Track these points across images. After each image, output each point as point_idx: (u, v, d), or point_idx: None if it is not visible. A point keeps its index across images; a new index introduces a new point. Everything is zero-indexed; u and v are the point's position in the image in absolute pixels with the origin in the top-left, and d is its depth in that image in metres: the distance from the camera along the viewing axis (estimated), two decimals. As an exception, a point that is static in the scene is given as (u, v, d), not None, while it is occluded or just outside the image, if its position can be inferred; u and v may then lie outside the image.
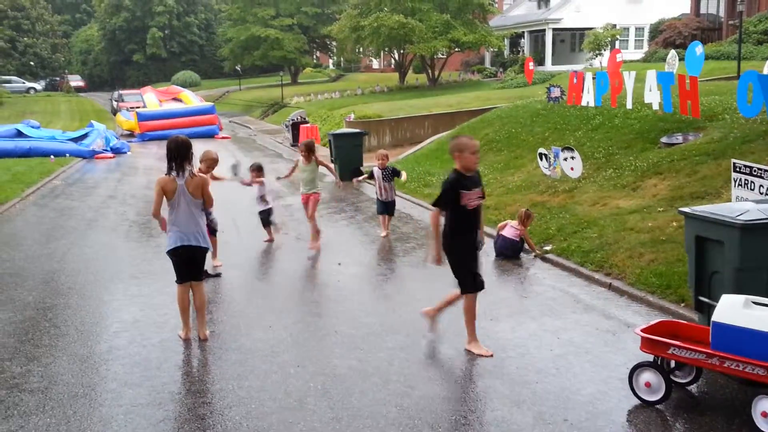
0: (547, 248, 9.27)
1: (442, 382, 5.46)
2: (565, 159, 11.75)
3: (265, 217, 10.33)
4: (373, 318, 7.11)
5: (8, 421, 4.99)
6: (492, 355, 5.88)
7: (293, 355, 6.07)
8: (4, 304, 7.76)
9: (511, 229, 9.39)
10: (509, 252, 9.30)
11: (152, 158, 23.28)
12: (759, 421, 4.50)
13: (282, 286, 8.29)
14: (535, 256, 9.22)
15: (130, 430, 4.82)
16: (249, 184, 10.18)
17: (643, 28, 41.13)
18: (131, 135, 29.68)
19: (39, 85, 64.00)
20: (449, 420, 4.86)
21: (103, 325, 7.07)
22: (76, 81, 68.91)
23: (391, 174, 10.81)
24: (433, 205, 6.05)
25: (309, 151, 10.07)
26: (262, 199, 10.21)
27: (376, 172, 10.85)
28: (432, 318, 6.40)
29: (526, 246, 9.38)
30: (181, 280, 6.51)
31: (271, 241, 10.35)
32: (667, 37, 32.86)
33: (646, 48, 37.44)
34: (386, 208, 10.92)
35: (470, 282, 6.04)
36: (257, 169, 10.21)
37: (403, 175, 10.89)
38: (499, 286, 8.16)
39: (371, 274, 8.87)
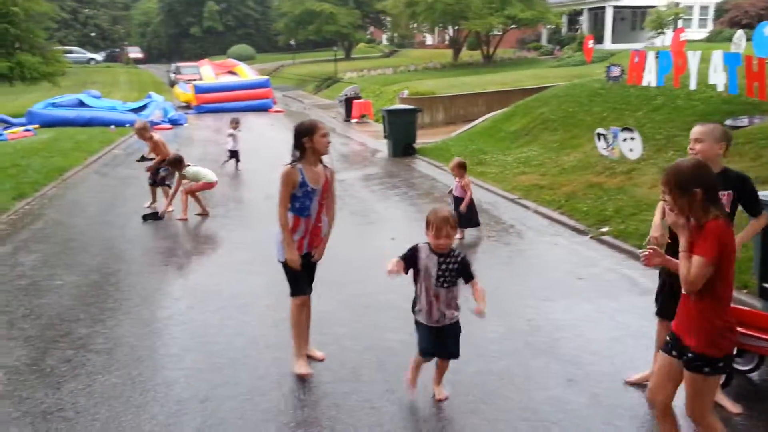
0: (604, 230, 9.14)
1: (496, 360, 5.47)
2: (624, 140, 11.50)
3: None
4: (427, 294, 7.13)
5: (76, 379, 5.21)
6: (740, 414, 4.64)
7: (348, 328, 6.16)
8: (70, 267, 8.07)
9: (457, 188, 9.01)
10: (466, 214, 8.84)
11: (208, 130, 23.64)
12: (823, 413, 4.40)
13: (336, 260, 8.36)
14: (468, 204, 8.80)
15: (191, 393, 4.98)
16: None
17: (707, 7, 39.76)
18: (188, 107, 30.18)
19: (99, 56, 65.44)
20: (502, 396, 4.88)
21: (163, 291, 7.28)
22: (135, 53, 70.19)
23: (457, 272, 4.59)
24: None
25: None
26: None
27: (426, 257, 4.64)
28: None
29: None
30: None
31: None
32: (733, 16, 31.80)
33: (710, 27, 36.25)
34: (437, 342, 4.69)
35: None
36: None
37: (480, 305, 4.43)
38: (553, 267, 8.09)
39: (424, 251, 8.86)
